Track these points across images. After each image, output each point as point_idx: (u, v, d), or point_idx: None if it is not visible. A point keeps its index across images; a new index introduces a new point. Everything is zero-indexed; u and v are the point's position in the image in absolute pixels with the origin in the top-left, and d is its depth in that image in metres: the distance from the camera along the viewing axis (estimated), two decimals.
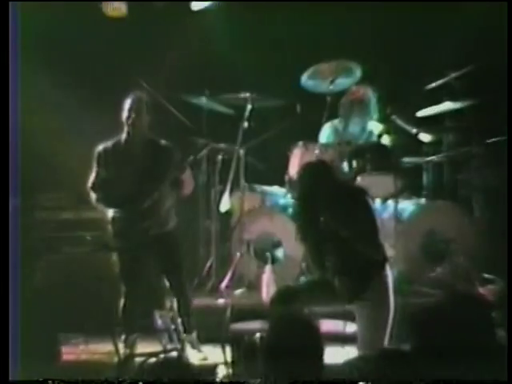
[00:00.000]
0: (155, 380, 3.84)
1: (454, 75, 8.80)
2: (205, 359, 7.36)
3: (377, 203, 8.74)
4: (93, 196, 7.59)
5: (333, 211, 6.28)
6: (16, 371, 5.09)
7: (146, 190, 7.47)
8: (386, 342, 6.26)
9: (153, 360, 6.98)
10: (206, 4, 9.27)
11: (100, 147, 7.57)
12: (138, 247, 7.50)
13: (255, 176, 9.08)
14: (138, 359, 7.26)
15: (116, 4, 9.19)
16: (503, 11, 8.72)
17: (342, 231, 6.24)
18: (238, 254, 8.74)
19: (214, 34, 9.38)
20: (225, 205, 8.95)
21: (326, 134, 9.00)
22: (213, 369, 6.65)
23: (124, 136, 7.55)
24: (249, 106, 8.86)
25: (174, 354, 7.26)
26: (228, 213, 9.02)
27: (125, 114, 7.50)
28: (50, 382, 3.98)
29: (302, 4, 9.24)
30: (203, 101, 8.88)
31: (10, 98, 6.14)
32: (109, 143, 7.59)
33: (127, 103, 7.51)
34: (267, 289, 8.23)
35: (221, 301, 8.42)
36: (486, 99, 8.69)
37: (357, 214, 6.36)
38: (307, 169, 6.78)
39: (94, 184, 7.52)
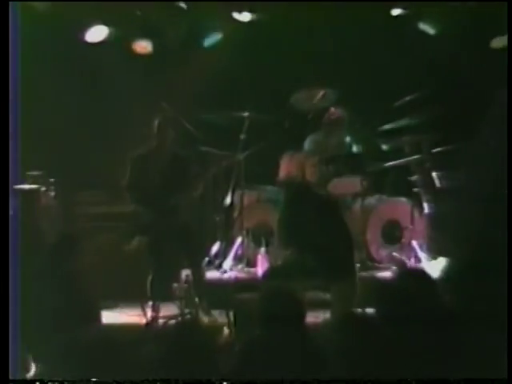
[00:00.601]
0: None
1: (408, 99, 8.80)
2: (214, 321, 7.36)
3: (348, 199, 8.84)
4: (126, 193, 7.66)
5: (313, 224, 6.35)
6: (16, 370, 4.30)
7: (169, 192, 7.51)
8: (353, 307, 6.34)
9: (173, 321, 7.11)
10: (215, 42, 9.31)
11: (135, 154, 7.61)
12: (162, 235, 7.52)
13: (252, 177, 9.04)
14: (161, 320, 7.34)
15: (143, 43, 9.23)
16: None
17: (321, 239, 6.31)
18: (239, 238, 8.75)
19: (221, 65, 9.32)
20: (228, 200, 8.95)
21: (308, 144, 9.01)
22: (220, 328, 6.71)
23: (154, 148, 7.60)
24: (247, 122, 8.83)
25: (189, 316, 7.32)
26: (231, 206, 9.00)
27: (154, 132, 7.57)
28: (50, 382, 3.62)
29: (289, 42, 9.27)
30: (210, 117, 8.85)
31: (10, 97, 5.18)
32: (142, 151, 7.63)
33: (156, 124, 7.56)
34: (261, 266, 8.30)
35: (226, 275, 8.45)
36: (432, 118, 8.74)
37: (331, 226, 6.42)
38: (291, 188, 6.83)
39: (129, 183, 7.58)
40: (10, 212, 8.26)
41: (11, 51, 5.29)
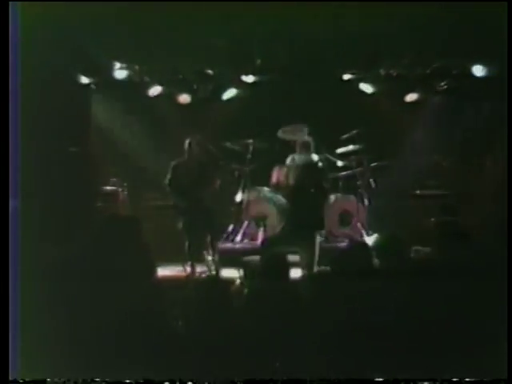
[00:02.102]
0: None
1: (354, 132, 8.83)
2: (229, 275, 7.32)
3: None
4: (168, 189, 7.57)
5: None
6: (16, 370, 3.17)
7: (197, 188, 7.41)
8: (315, 267, 6.39)
9: (203, 275, 7.10)
10: (231, 96, 9.31)
11: (174, 162, 7.54)
12: (194, 216, 7.39)
13: (255, 181, 8.98)
14: (196, 274, 7.35)
15: (185, 96, 9.26)
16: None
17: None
18: (246, 222, 8.73)
19: (235, 111, 9.31)
20: (239, 197, 8.91)
21: (289, 160, 8.99)
22: (233, 280, 6.70)
23: (186, 157, 7.54)
24: (251, 147, 8.82)
25: (213, 272, 7.31)
26: (241, 201, 8.93)
27: (186, 146, 7.53)
28: (49, 381, 2.92)
29: (277, 96, 9.23)
30: (227, 144, 8.81)
31: (10, 98, 3.93)
32: (179, 160, 7.56)
33: (188, 141, 7.52)
34: (260, 240, 8.33)
35: (237, 246, 8.43)
36: (369, 145, 8.79)
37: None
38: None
39: (169, 182, 7.49)
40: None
41: (11, 52, 4.01)
